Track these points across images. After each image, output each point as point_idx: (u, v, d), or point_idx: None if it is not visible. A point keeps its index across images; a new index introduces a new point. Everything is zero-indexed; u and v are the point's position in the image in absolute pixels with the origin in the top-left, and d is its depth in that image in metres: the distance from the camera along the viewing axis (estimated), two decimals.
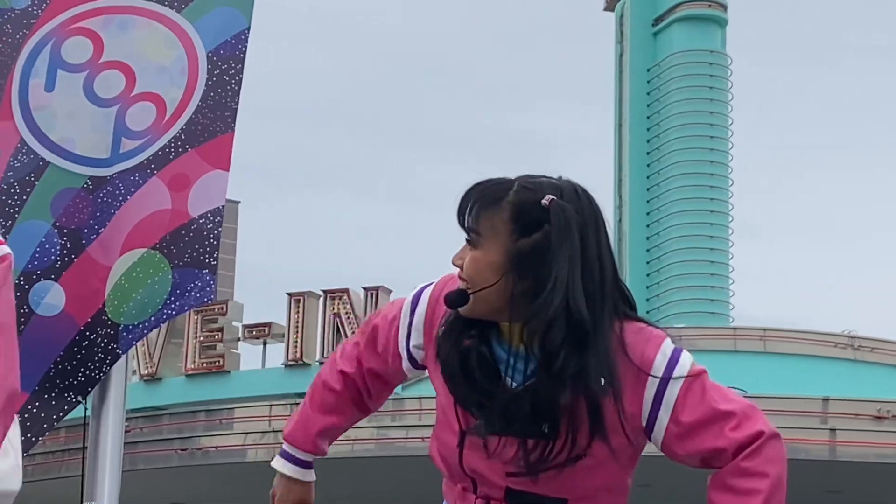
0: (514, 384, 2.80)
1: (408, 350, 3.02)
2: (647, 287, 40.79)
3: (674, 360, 2.85)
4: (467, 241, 2.81)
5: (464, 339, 2.84)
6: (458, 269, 2.84)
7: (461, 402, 2.86)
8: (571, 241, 2.79)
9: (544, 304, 2.74)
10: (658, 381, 2.82)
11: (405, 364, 3.05)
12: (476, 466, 2.88)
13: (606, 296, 2.83)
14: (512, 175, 2.85)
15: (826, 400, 22.48)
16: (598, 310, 2.79)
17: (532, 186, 2.80)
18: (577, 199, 2.83)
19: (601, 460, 2.82)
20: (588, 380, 2.74)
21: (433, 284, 3.02)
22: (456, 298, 2.80)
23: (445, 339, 2.87)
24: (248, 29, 4.25)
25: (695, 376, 2.86)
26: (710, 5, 41.54)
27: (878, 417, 22.21)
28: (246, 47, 4.22)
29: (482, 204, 2.80)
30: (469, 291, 2.79)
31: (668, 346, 2.88)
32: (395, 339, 3.04)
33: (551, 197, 2.77)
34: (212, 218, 4.04)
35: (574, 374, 2.74)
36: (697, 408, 2.83)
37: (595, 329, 2.78)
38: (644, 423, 2.81)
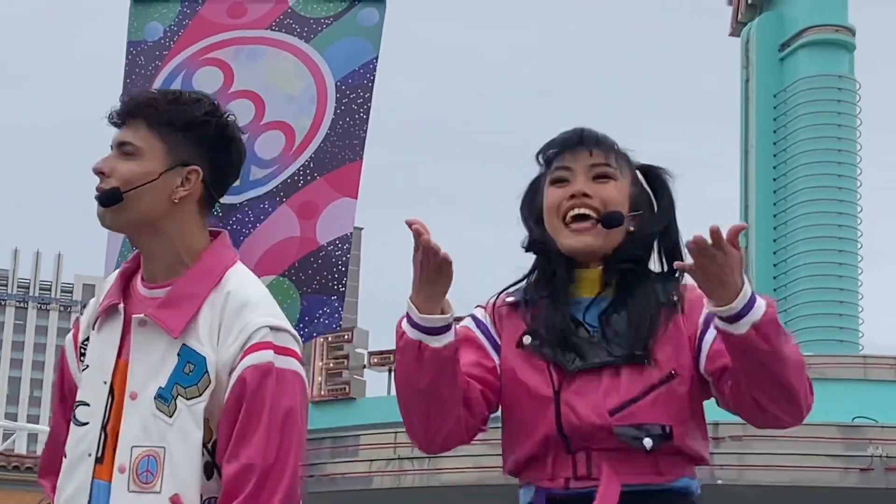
0: (592, 330, 3.01)
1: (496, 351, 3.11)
2: None
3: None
4: (602, 175, 3.06)
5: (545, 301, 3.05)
6: (581, 198, 3.05)
7: (556, 357, 2.99)
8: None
9: (647, 231, 3.09)
10: (705, 314, 3.00)
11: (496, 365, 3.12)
12: (576, 420, 2.96)
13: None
14: None
15: None
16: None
17: None
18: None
19: (687, 380, 3.00)
20: (665, 298, 3.02)
21: (480, 307, 3.20)
22: (614, 217, 3.03)
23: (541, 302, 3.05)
24: (377, 58, 4.28)
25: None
26: (837, 30, 41.05)
27: None
28: (374, 76, 4.25)
29: (609, 143, 3.10)
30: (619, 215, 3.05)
31: None
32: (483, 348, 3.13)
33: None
34: (340, 245, 4.08)
35: (654, 297, 3.01)
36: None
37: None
38: (697, 343, 3.01)
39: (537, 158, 3.19)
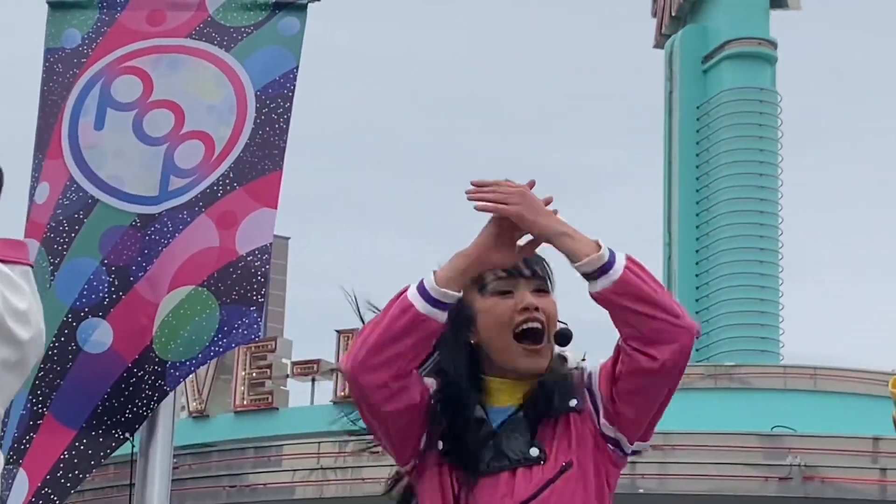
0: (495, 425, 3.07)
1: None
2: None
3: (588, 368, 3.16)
4: (541, 289, 3.11)
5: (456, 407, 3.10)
6: (532, 311, 3.07)
7: (461, 463, 3.05)
8: None
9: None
10: (594, 383, 3.10)
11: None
12: None
13: None
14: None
15: (877, 439, 22.25)
16: None
17: None
18: None
19: (587, 467, 3.05)
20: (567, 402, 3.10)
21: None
22: (566, 336, 3.10)
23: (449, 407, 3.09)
24: (297, 68, 4.26)
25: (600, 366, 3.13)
26: (759, 43, 41.43)
27: None
28: (294, 86, 4.23)
29: (544, 260, 3.12)
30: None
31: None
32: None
33: None
34: (259, 255, 4.05)
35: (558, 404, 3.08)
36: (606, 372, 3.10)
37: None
38: (593, 416, 3.08)
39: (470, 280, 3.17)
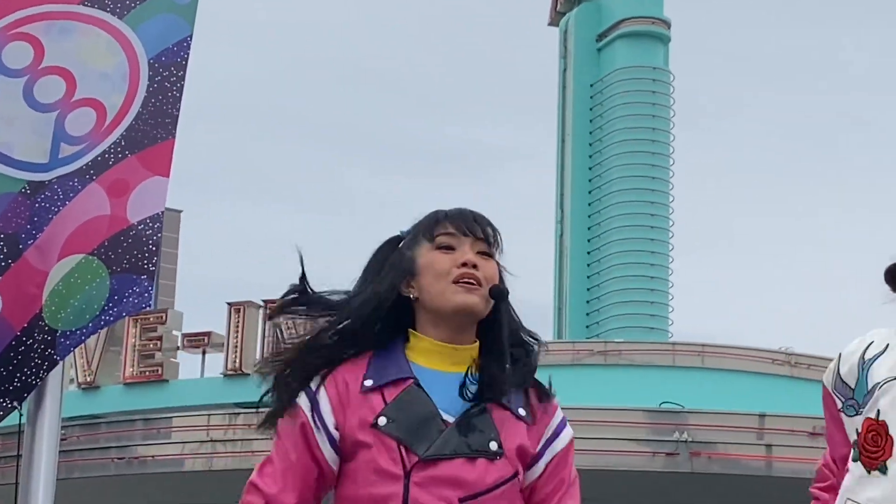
0: (452, 410, 3.08)
1: (330, 440, 3.13)
2: (588, 301, 40.93)
3: (565, 420, 3.23)
4: (485, 252, 3.19)
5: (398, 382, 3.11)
6: (471, 269, 3.15)
7: (409, 440, 3.03)
8: None
9: (516, 320, 3.20)
10: (556, 424, 3.18)
11: (330, 456, 3.13)
12: (426, 503, 3.01)
13: None
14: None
15: (762, 416, 22.63)
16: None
17: None
18: None
19: (522, 482, 3.11)
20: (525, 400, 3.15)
21: (317, 378, 3.19)
22: (500, 293, 3.16)
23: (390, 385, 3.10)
24: (191, 36, 4.24)
25: (572, 442, 3.23)
26: (653, 22, 41.78)
27: (814, 434, 22.39)
28: (188, 54, 4.21)
29: (493, 225, 3.23)
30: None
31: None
32: (314, 446, 3.13)
33: None
34: (151, 224, 4.03)
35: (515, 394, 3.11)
36: (567, 467, 3.19)
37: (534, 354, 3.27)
38: (532, 458, 3.13)
39: (422, 232, 3.23)
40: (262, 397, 3.24)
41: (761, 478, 21.89)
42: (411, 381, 3.10)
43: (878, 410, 3.15)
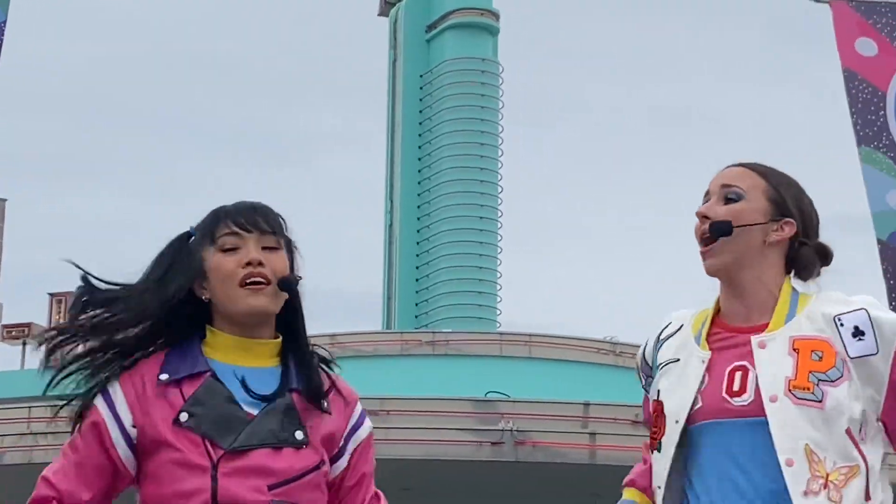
0: (254, 403, 3.09)
1: (126, 438, 3.10)
2: (417, 292, 41.04)
3: (364, 413, 3.25)
4: (269, 245, 3.14)
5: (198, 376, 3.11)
6: (257, 267, 3.11)
7: (213, 434, 3.03)
8: None
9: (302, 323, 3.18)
10: (357, 416, 3.21)
11: (125, 455, 3.11)
12: (232, 496, 3.00)
13: None
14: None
15: (587, 405, 22.92)
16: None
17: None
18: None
19: (326, 471, 3.12)
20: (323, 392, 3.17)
21: (114, 376, 3.17)
22: (289, 284, 3.13)
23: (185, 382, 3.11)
24: (5, 22, 4.15)
25: (371, 436, 3.26)
26: (482, 14, 42.04)
27: (636, 422, 22.78)
28: (2, 39, 4.12)
29: (276, 215, 3.20)
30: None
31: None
32: (108, 445, 3.12)
33: None
34: None
35: (318, 386, 3.14)
36: (368, 462, 3.24)
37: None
38: (336, 449, 3.16)
39: (206, 234, 3.18)
40: (49, 384, 3.23)
41: (585, 466, 22.18)
42: (208, 374, 3.09)
43: (658, 391, 3.21)
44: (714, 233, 3.23)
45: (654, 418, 3.22)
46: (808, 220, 3.29)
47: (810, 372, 3.09)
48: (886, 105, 5.55)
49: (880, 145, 5.53)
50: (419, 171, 42.42)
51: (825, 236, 3.35)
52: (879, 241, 5.45)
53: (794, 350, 3.12)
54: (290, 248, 3.21)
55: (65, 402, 3.29)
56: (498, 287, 41.42)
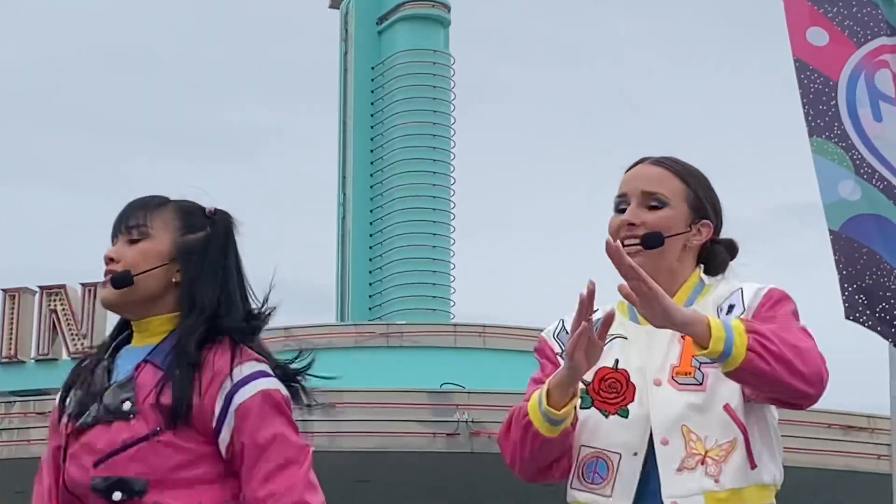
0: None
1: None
2: (371, 284, 41.02)
3: (250, 377, 3.11)
4: (132, 239, 3.20)
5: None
6: (110, 262, 3.20)
7: (75, 415, 3.12)
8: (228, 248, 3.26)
9: (204, 295, 3.17)
10: (231, 385, 3.08)
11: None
12: (69, 477, 3.09)
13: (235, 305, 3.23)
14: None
15: None
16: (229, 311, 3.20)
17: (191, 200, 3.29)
18: (227, 217, 3.28)
19: (174, 440, 3.04)
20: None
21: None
22: (120, 279, 3.15)
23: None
24: None
25: (267, 394, 3.11)
26: (433, 5, 42.02)
27: None
28: None
29: (151, 205, 3.24)
30: (134, 273, 3.16)
31: (252, 365, 3.12)
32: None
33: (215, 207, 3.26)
34: None
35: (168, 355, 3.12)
36: (256, 430, 3.10)
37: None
38: (213, 425, 3.07)
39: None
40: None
41: None
42: (106, 359, 3.20)
43: (616, 360, 3.30)
44: (646, 244, 3.32)
45: (608, 385, 3.29)
46: (720, 218, 3.42)
47: (693, 357, 3.23)
48: (838, 95, 5.58)
49: (832, 135, 5.56)
50: (371, 163, 42.40)
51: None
52: (831, 232, 5.50)
53: (683, 338, 3.24)
54: (187, 223, 3.23)
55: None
56: (452, 279, 41.47)
